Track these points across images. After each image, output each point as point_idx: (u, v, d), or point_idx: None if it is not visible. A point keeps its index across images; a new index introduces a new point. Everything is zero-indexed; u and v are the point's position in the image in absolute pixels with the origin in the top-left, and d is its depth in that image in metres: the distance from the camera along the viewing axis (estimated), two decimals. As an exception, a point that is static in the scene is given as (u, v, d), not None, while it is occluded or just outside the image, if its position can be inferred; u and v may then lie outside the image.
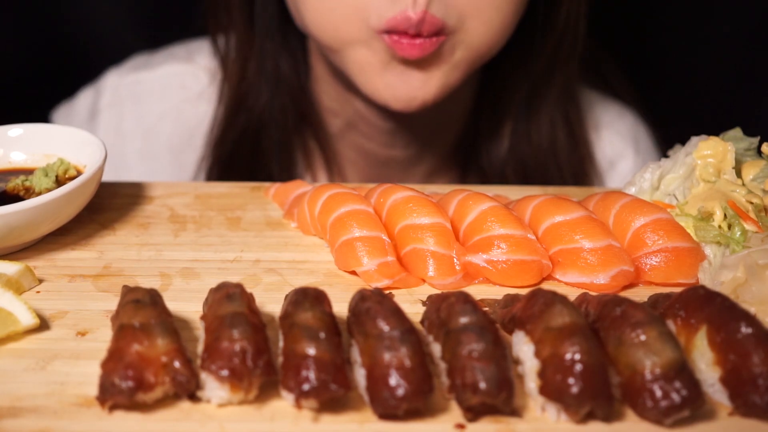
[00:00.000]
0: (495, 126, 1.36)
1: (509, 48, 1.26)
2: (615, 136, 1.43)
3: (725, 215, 0.90)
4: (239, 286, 0.77)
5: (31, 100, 1.57)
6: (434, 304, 0.78)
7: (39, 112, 1.48)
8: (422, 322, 0.81)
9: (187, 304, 0.85)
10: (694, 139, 0.99)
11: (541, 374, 0.70)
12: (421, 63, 1.14)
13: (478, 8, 1.13)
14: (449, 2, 1.11)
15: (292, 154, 1.40)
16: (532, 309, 0.74)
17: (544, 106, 1.33)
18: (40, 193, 0.95)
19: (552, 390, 0.69)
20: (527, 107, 1.33)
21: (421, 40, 1.11)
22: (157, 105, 1.43)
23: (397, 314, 0.73)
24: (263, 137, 1.36)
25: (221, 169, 1.37)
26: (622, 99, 1.47)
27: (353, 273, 0.91)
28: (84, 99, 1.48)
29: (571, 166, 1.35)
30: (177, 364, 0.70)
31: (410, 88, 1.16)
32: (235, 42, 1.33)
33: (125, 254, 0.95)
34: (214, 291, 0.78)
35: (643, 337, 0.70)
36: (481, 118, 1.37)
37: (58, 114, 1.51)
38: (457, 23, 1.12)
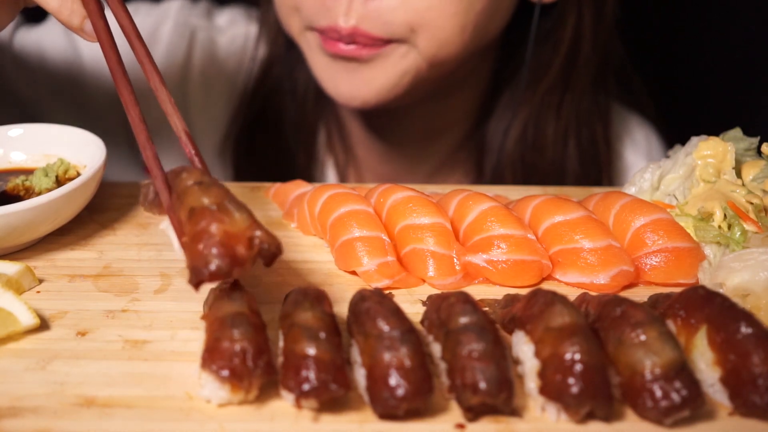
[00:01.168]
0: (498, 131, 1.35)
1: (519, 59, 1.26)
2: (629, 146, 1.43)
3: (725, 215, 0.90)
4: (239, 286, 0.77)
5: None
6: (434, 304, 0.78)
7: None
8: (422, 322, 0.81)
9: (187, 304, 0.85)
10: (694, 139, 0.99)
11: (541, 374, 0.70)
12: (368, 61, 1.14)
13: (420, 26, 1.11)
14: (387, 20, 1.10)
15: (314, 131, 1.42)
16: (532, 309, 0.74)
17: (554, 119, 1.32)
18: (40, 193, 0.95)
19: (552, 390, 0.69)
20: (534, 119, 1.32)
21: (354, 47, 1.13)
22: (222, 64, 1.44)
23: (397, 314, 0.73)
24: (285, 108, 1.38)
25: (248, 132, 1.39)
26: (642, 111, 1.46)
27: (353, 273, 0.91)
28: (168, 20, 1.44)
29: (581, 175, 1.35)
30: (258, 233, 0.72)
31: (351, 87, 1.17)
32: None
33: (125, 254, 0.95)
34: (214, 291, 0.78)
35: (643, 337, 0.70)
36: (485, 121, 1.37)
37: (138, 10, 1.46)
38: (405, 34, 1.12)
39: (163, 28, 1.43)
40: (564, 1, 1.26)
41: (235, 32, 1.45)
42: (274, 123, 1.40)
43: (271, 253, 0.72)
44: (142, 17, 1.43)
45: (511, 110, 1.33)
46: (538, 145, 1.33)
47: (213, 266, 0.69)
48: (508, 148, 1.33)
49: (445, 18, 1.12)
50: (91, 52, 1.36)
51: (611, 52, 1.33)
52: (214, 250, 0.70)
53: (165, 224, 0.83)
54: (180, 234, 0.77)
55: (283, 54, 1.36)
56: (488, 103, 1.37)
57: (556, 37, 1.28)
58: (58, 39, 1.36)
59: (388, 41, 1.13)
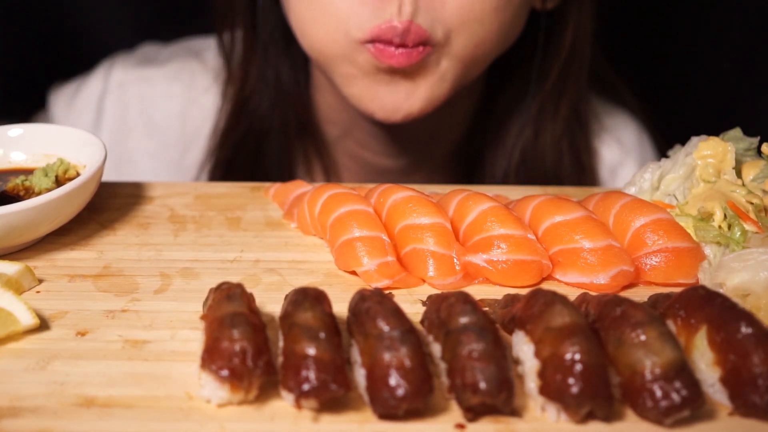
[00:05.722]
0: (497, 139, 1.35)
1: (515, 65, 1.26)
2: (617, 145, 1.43)
3: (725, 215, 0.90)
4: (239, 286, 0.77)
5: (30, 90, 1.54)
6: (434, 304, 0.78)
7: (39, 100, 1.47)
8: (422, 322, 0.81)
9: (187, 304, 0.85)
10: (694, 139, 0.99)
11: (541, 374, 0.70)
12: (407, 73, 1.13)
13: (464, 23, 1.11)
14: (435, 16, 1.09)
15: (293, 161, 1.40)
16: (532, 309, 0.74)
17: (551, 122, 1.32)
18: (40, 193, 0.95)
19: (552, 390, 0.69)
20: (534, 122, 1.32)
21: (406, 50, 1.10)
22: (164, 103, 1.42)
23: (397, 314, 0.73)
24: (264, 143, 1.36)
25: (222, 172, 1.37)
26: (627, 106, 1.46)
27: (353, 273, 0.91)
28: (89, 88, 1.45)
29: (572, 175, 1.35)
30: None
31: (396, 99, 1.15)
32: (240, 45, 1.32)
33: (125, 254, 0.95)
34: (214, 291, 0.78)
35: (643, 337, 0.70)
36: (482, 129, 1.36)
37: (58, 97, 1.47)
38: (443, 37, 1.11)
39: (107, 99, 1.43)
40: (565, 7, 1.26)
41: (175, 68, 1.43)
42: (252, 158, 1.37)
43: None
44: (87, 94, 1.44)
45: (509, 122, 1.33)
46: (538, 153, 1.33)
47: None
48: (493, 168, 1.33)
49: (487, 13, 1.12)
50: None
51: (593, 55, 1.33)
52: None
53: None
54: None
55: (259, 87, 1.34)
56: (475, 121, 1.36)
57: (558, 44, 1.28)
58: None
59: (425, 45, 1.11)
